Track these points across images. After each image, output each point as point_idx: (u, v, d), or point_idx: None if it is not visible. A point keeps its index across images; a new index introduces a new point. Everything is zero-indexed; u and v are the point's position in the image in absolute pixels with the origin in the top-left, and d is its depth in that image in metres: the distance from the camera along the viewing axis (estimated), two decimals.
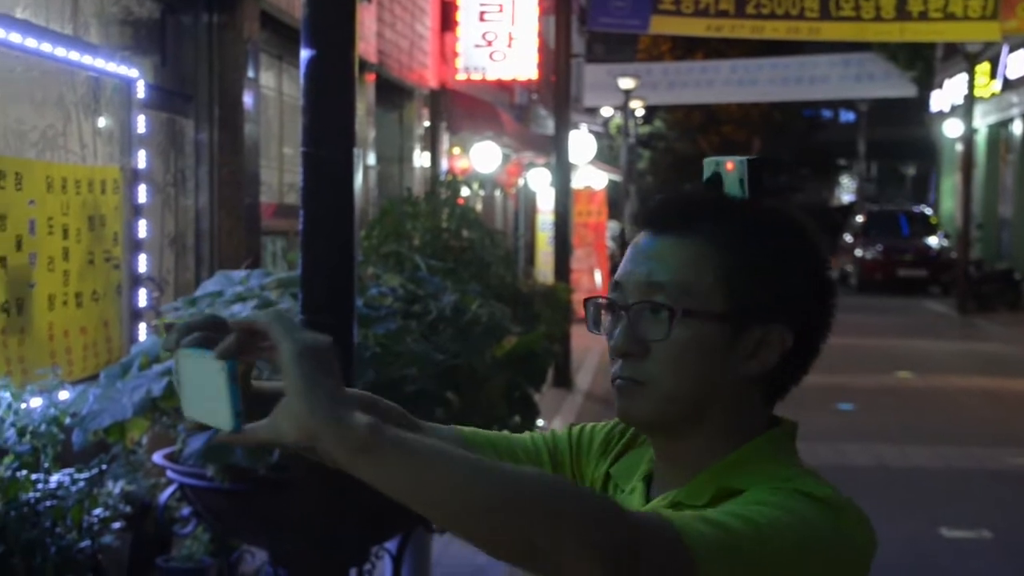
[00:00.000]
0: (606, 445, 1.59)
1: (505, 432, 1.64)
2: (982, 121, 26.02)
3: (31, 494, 3.97)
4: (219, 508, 3.99)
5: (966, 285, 21.65)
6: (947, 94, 29.70)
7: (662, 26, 14.58)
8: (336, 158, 3.44)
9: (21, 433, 4.10)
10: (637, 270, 1.43)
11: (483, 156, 15.16)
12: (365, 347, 3.97)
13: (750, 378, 1.42)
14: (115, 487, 4.68)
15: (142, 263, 5.88)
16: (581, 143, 19.88)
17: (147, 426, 4.04)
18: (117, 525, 4.47)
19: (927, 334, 18.31)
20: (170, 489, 4.44)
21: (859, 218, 29.68)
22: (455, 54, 14.29)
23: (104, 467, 4.48)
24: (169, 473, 4.05)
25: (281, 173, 9.02)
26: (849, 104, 45.12)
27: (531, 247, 20.25)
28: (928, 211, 30.67)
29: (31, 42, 4.91)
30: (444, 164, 14.24)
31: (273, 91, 8.71)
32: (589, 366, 14.17)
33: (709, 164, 1.49)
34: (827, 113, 50.96)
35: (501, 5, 14.35)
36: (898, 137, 44.55)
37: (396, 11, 11.79)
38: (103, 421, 3.82)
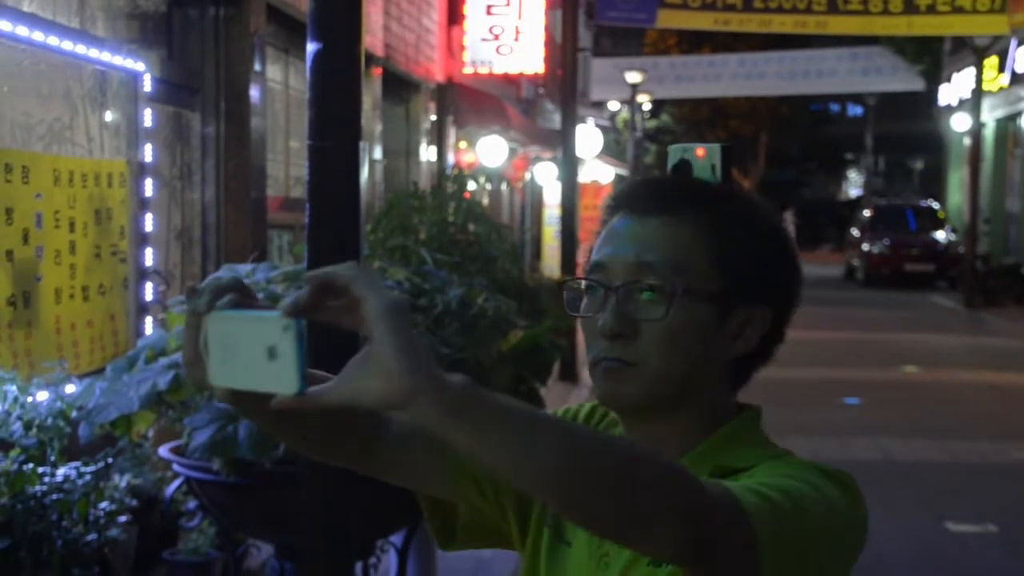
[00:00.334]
0: None
1: None
2: (990, 115, 25.96)
3: (38, 487, 3.98)
4: (225, 502, 3.99)
5: (973, 280, 21.59)
6: (955, 88, 29.64)
7: (669, 20, 14.58)
8: (342, 152, 3.43)
9: (28, 426, 4.11)
10: (621, 251, 1.43)
11: (490, 150, 15.14)
12: None
13: (730, 360, 1.43)
14: (121, 480, 4.69)
15: (148, 256, 5.89)
16: (588, 137, 19.87)
17: (153, 419, 4.04)
18: (123, 518, 4.48)
19: (934, 329, 18.28)
20: (176, 483, 4.45)
21: (866, 212, 29.58)
22: (462, 48, 14.28)
23: (110, 460, 4.49)
24: (175, 467, 4.06)
25: (287, 166, 9.02)
26: (857, 98, 45.09)
27: (537, 241, 20.24)
28: (935, 205, 30.58)
29: (38, 35, 4.92)
30: (451, 158, 14.22)
31: (279, 84, 8.71)
32: None
33: (675, 151, 1.49)
34: (835, 107, 50.93)
35: None
36: (906, 131, 44.50)
37: (403, 5, 11.78)
38: (109, 414, 3.83)
